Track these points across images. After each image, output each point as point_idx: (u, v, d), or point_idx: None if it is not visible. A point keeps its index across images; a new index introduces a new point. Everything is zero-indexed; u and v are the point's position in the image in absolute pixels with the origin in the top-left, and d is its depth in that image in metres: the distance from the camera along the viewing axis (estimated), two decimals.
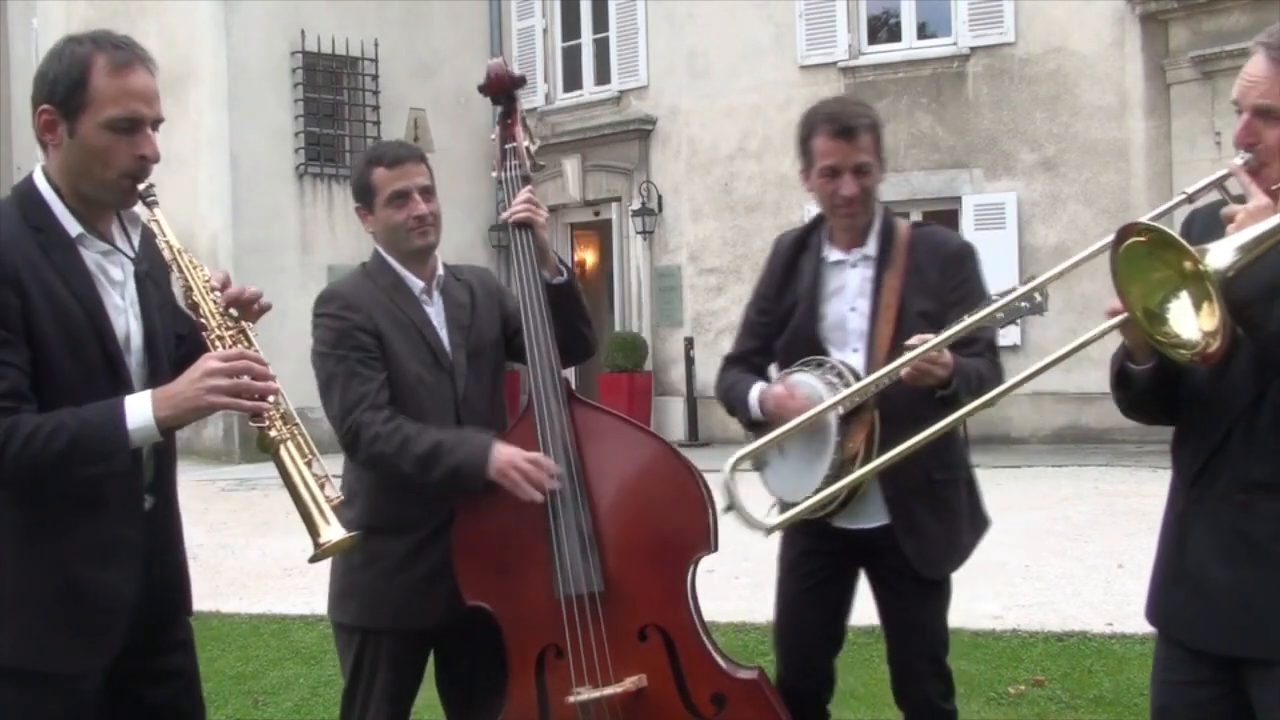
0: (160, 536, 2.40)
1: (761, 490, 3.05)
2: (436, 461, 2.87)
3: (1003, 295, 2.67)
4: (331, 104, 15.15)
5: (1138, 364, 2.23)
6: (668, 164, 14.93)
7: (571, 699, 2.83)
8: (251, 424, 2.22)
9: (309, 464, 2.22)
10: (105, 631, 2.27)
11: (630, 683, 2.83)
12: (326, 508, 2.19)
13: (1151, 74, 12.04)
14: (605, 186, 15.46)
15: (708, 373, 14.31)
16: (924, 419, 2.72)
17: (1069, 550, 7.38)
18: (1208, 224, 2.16)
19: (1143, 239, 1.96)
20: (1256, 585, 2.10)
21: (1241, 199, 2.11)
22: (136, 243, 2.39)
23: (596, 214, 15.66)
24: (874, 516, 3.06)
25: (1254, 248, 1.93)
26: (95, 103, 2.22)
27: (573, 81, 15.83)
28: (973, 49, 13.02)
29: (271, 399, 2.21)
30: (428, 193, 3.05)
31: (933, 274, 3.08)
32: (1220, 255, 1.91)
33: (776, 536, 3.25)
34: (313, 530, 2.20)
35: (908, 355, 2.71)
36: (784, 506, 3.06)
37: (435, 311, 3.08)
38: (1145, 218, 2.01)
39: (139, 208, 2.37)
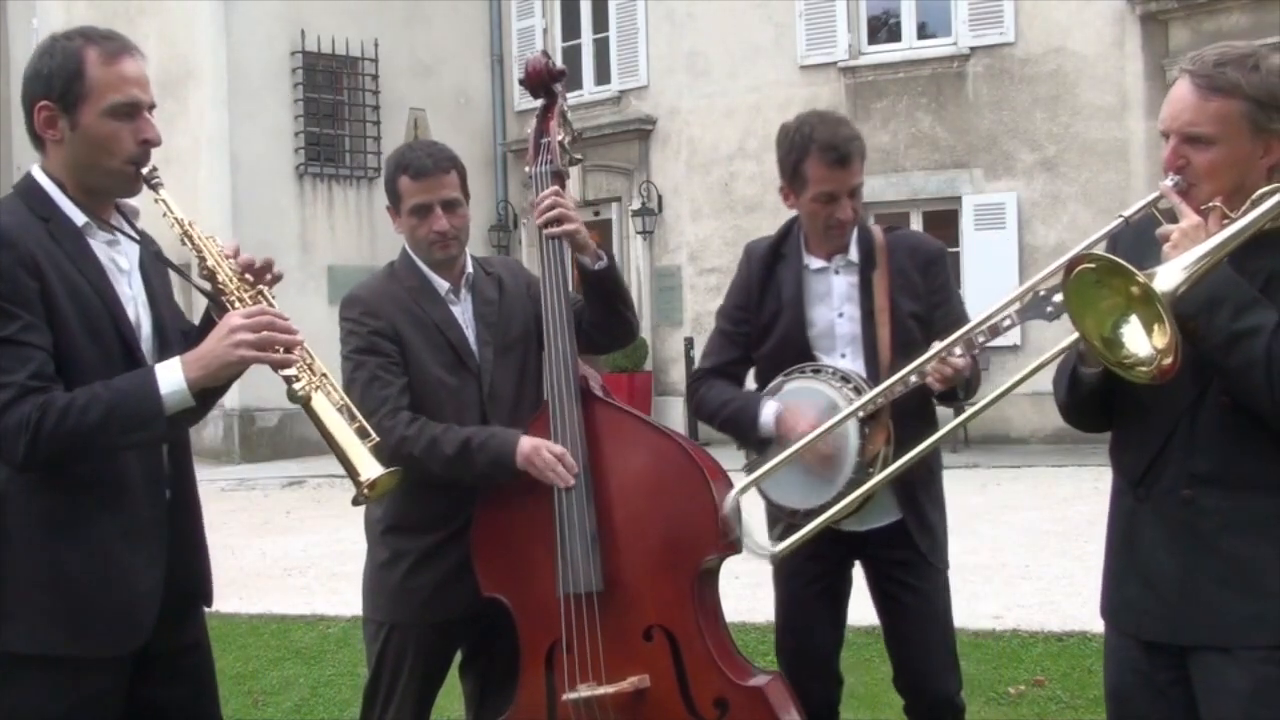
0: (178, 529, 2.42)
1: (756, 498, 3.03)
2: (466, 460, 2.89)
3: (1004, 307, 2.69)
4: (331, 104, 15.15)
5: (1089, 368, 2.34)
6: (668, 164, 14.93)
7: (569, 696, 2.84)
8: (279, 374, 2.25)
9: (342, 410, 2.24)
10: (139, 614, 2.30)
11: (630, 683, 2.83)
12: (364, 449, 2.21)
13: (1151, 74, 12.04)
14: (605, 186, 15.47)
15: None
16: (929, 415, 3.07)
17: (1069, 550, 7.37)
18: (1131, 244, 2.29)
19: (1092, 266, 2.07)
20: (1203, 575, 2.20)
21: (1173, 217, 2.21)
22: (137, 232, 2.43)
23: (596, 214, 15.66)
24: (884, 514, 3.08)
25: (1197, 266, 2.05)
26: (94, 92, 2.27)
27: (573, 81, 15.75)
28: (973, 49, 13.02)
29: (298, 351, 2.25)
30: (452, 205, 3.01)
31: (915, 276, 3.12)
32: (1168, 277, 2.03)
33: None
34: (352, 473, 2.20)
35: (928, 355, 2.74)
36: (793, 514, 3.07)
37: (462, 310, 3.08)
38: (1085, 244, 2.15)
39: (136, 201, 2.41)
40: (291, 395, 2.25)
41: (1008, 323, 2.72)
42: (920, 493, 3.09)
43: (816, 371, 3.05)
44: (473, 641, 3.16)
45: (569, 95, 3.31)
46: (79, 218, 2.32)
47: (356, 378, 2.96)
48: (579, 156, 3.27)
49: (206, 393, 2.31)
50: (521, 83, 3.25)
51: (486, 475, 2.92)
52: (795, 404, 3.01)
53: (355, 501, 2.26)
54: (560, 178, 3.13)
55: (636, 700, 2.83)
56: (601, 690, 2.82)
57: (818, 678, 3.21)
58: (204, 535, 2.54)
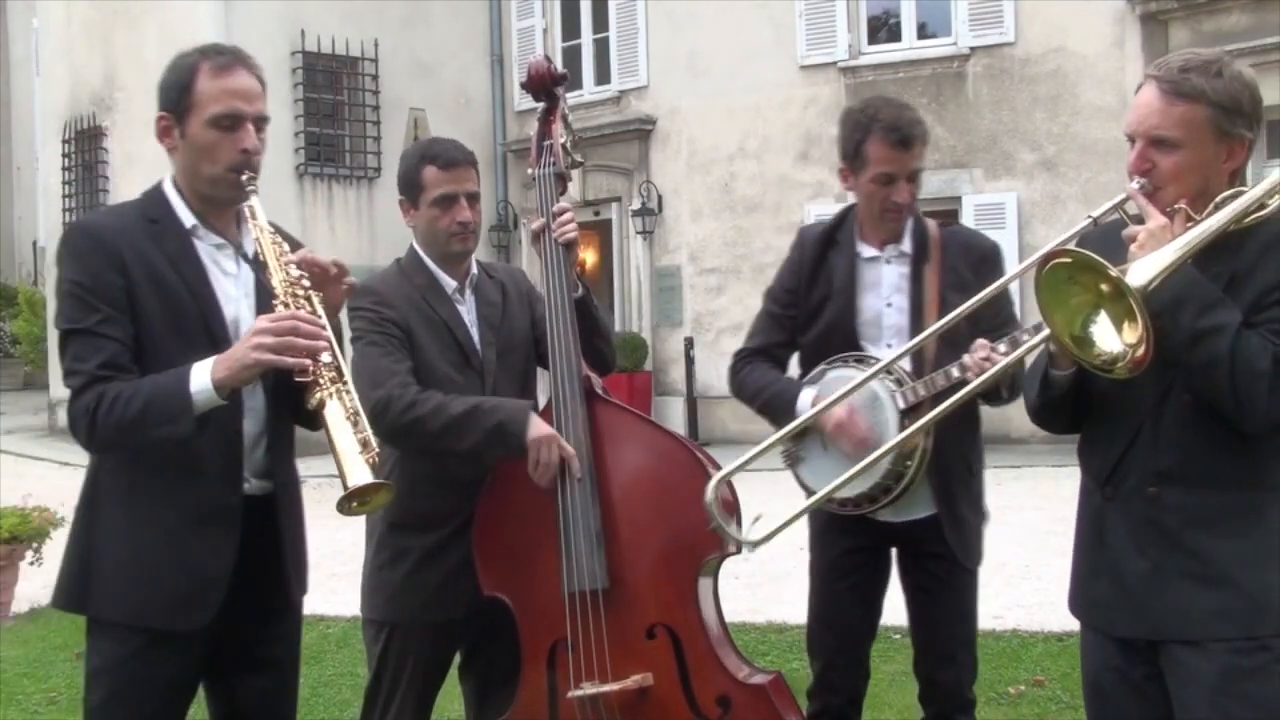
0: (271, 521, 2.53)
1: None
2: (475, 421, 2.88)
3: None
4: (331, 104, 15.14)
5: (1060, 370, 2.36)
6: (668, 164, 14.93)
7: (573, 694, 2.84)
8: (296, 380, 2.31)
9: (351, 421, 2.28)
10: (203, 594, 2.44)
11: (634, 680, 2.83)
12: (359, 459, 2.24)
13: None
14: (605, 186, 15.46)
15: (708, 373, 14.31)
16: (971, 411, 3.12)
17: (1069, 550, 7.37)
18: (1097, 246, 2.30)
19: (1067, 261, 2.11)
20: (1171, 571, 2.25)
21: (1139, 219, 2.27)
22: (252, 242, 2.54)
23: (596, 214, 15.65)
24: (920, 508, 3.10)
25: (1168, 262, 2.11)
26: (200, 103, 2.45)
27: (573, 81, 15.75)
28: (973, 49, 13.02)
29: (326, 358, 2.31)
30: (473, 198, 3.08)
31: (966, 273, 3.13)
32: (1141, 272, 2.09)
33: (806, 538, 3.27)
34: (342, 480, 2.23)
35: (997, 368, 2.73)
36: (831, 503, 3.05)
37: (467, 310, 3.11)
38: (1053, 244, 2.21)
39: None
40: (307, 401, 2.31)
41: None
42: (957, 488, 3.11)
43: (860, 361, 3.06)
44: (472, 642, 3.16)
45: (569, 95, 3.33)
46: (188, 220, 2.51)
47: (368, 353, 2.96)
48: (581, 159, 3.29)
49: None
50: (523, 86, 3.27)
51: (488, 441, 2.89)
52: (840, 411, 2.97)
53: (339, 508, 2.26)
54: (563, 180, 3.17)
55: (640, 698, 2.84)
56: (606, 688, 2.83)
57: (846, 670, 3.23)
58: (299, 535, 2.62)
